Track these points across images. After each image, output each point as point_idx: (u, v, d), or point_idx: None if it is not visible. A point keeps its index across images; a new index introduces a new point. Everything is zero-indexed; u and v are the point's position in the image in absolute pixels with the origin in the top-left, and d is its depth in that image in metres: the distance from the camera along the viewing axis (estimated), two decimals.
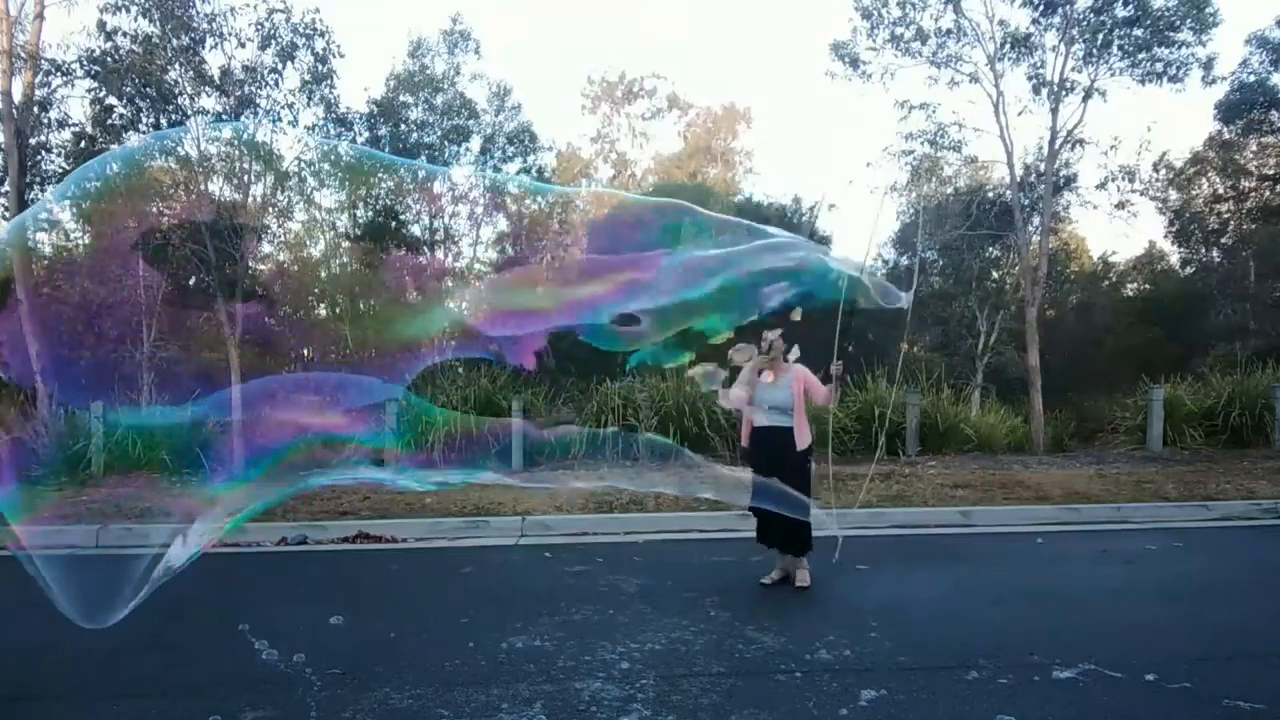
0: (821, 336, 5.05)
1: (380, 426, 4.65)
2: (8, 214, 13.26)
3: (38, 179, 13.64)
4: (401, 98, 16.07)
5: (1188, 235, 21.20)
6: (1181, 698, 3.36)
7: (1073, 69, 13.17)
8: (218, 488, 4.34)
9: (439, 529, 7.16)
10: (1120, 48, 13.00)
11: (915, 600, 4.85)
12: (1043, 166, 14.36)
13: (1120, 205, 15.06)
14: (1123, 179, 14.92)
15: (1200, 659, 3.78)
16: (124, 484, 8.73)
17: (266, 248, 14.43)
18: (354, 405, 4.50)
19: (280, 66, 12.81)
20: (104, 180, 4.14)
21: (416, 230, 16.60)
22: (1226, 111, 18.10)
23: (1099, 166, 19.64)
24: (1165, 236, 21.93)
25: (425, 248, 16.47)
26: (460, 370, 12.61)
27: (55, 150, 13.78)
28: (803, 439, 5.18)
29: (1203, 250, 21.51)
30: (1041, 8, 13.02)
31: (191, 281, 14.08)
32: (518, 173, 17.73)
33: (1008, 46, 13.26)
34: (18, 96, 12.74)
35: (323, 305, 17.19)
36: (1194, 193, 21.16)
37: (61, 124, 13.34)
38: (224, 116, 12.81)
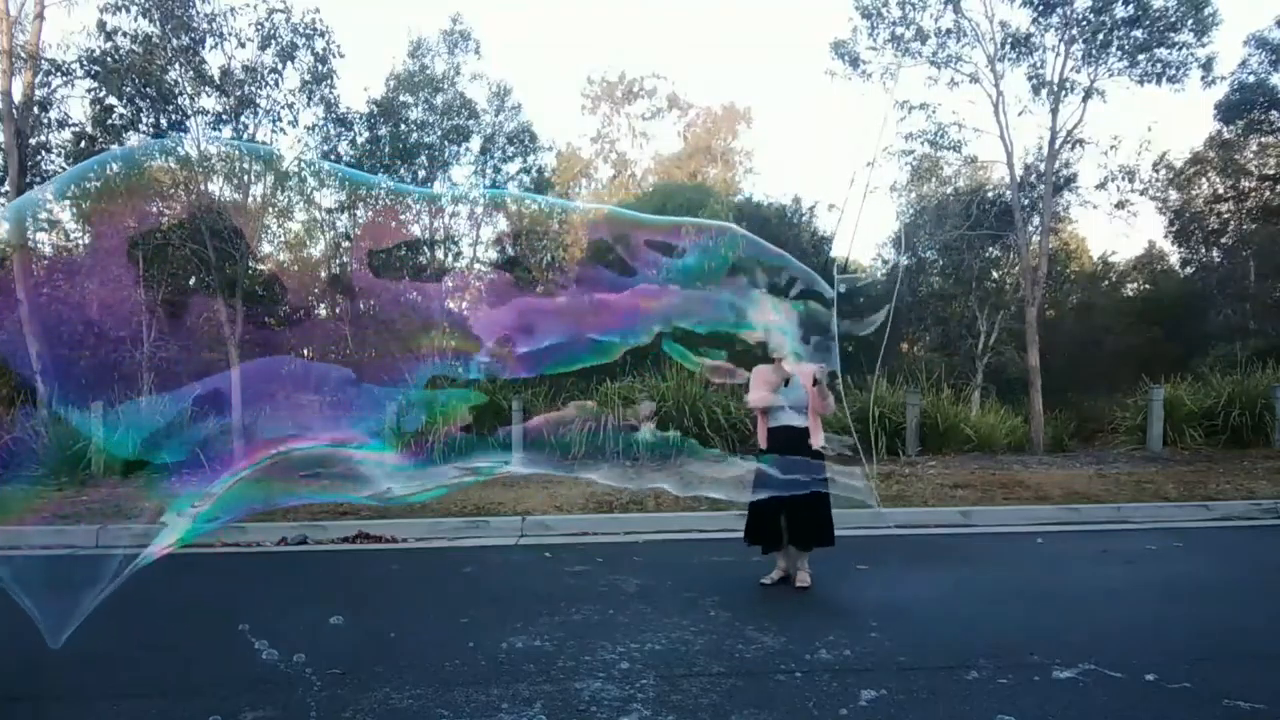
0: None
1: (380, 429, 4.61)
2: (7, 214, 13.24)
3: (38, 179, 13.62)
4: (401, 98, 16.05)
5: (1188, 235, 21.20)
6: (1181, 698, 3.36)
7: (1072, 69, 13.19)
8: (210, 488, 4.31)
9: (439, 529, 7.17)
10: (1120, 48, 13.00)
11: (915, 600, 4.85)
12: (1043, 166, 14.37)
13: (1120, 205, 15.08)
14: (1123, 179, 14.95)
15: (1200, 659, 3.78)
16: (124, 484, 8.74)
17: (266, 248, 14.42)
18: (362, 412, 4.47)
19: (280, 66, 12.82)
20: (103, 180, 4.13)
21: (416, 230, 16.60)
22: (1226, 111, 18.11)
23: (1099, 166, 19.65)
24: (1165, 236, 21.95)
25: (425, 247, 16.46)
26: (460, 370, 12.59)
27: (55, 150, 13.78)
28: (818, 438, 5.18)
29: (1203, 250, 21.51)
30: (1041, 8, 13.02)
31: (191, 281, 14.09)
32: (518, 173, 17.73)
33: (1008, 46, 13.26)
34: (18, 96, 12.74)
35: (322, 305, 17.20)
36: (1194, 193, 21.16)
37: (61, 124, 13.34)
38: (224, 116, 12.82)
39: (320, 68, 13.28)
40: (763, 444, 5.30)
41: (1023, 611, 4.64)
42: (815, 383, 5.05)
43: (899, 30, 13.51)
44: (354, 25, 23.76)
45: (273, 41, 12.62)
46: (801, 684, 3.53)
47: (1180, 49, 12.94)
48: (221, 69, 12.57)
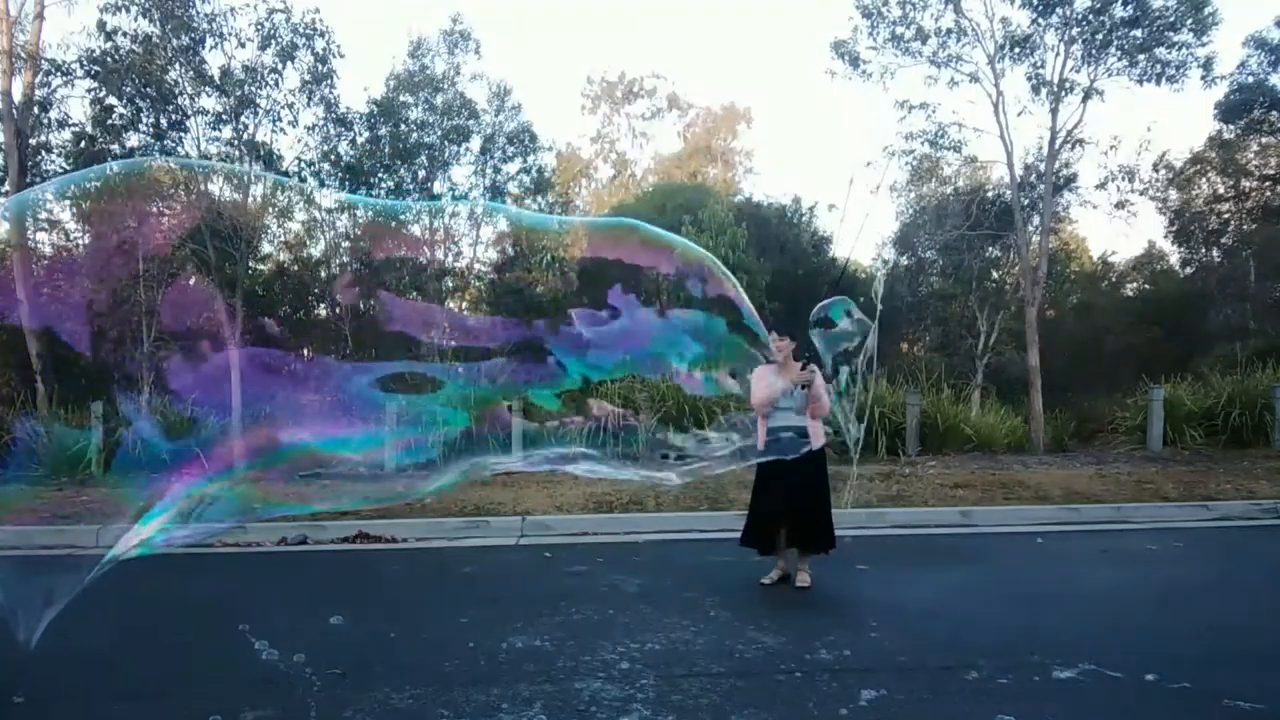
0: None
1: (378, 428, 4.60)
2: (7, 214, 13.24)
3: (38, 179, 13.63)
4: (401, 98, 16.05)
5: (1188, 235, 21.21)
6: (1181, 698, 3.35)
7: (1072, 69, 13.20)
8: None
9: (439, 529, 7.16)
10: (1119, 48, 13.01)
11: (915, 600, 4.85)
12: (1042, 166, 14.37)
13: (1120, 205, 15.09)
14: (1123, 179, 14.97)
15: (1200, 659, 3.78)
16: (124, 483, 8.72)
17: (266, 248, 14.43)
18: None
19: (280, 66, 12.83)
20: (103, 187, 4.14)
21: (416, 230, 16.60)
22: (1226, 112, 18.12)
23: (1099, 166, 19.72)
24: (1165, 236, 21.97)
25: (425, 247, 16.45)
26: (460, 370, 12.59)
27: (55, 150, 13.79)
28: (817, 438, 5.18)
29: (1203, 250, 21.51)
30: (1041, 8, 13.03)
31: (192, 281, 14.08)
32: (518, 173, 17.72)
33: (1008, 46, 13.27)
34: (18, 96, 12.75)
35: (322, 305, 17.21)
36: (1194, 193, 21.16)
37: (61, 124, 13.35)
38: (224, 116, 12.83)
39: (320, 68, 13.29)
40: (760, 444, 5.31)
41: (1023, 611, 4.64)
42: (805, 386, 5.04)
43: (899, 30, 13.52)
44: (354, 25, 23.80)
45: (273, 41, 12.63)
46: (801, 684, 3.53)
47: (1180, 49, 12.95)
48: (221, 69, 12.59)
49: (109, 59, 12.33)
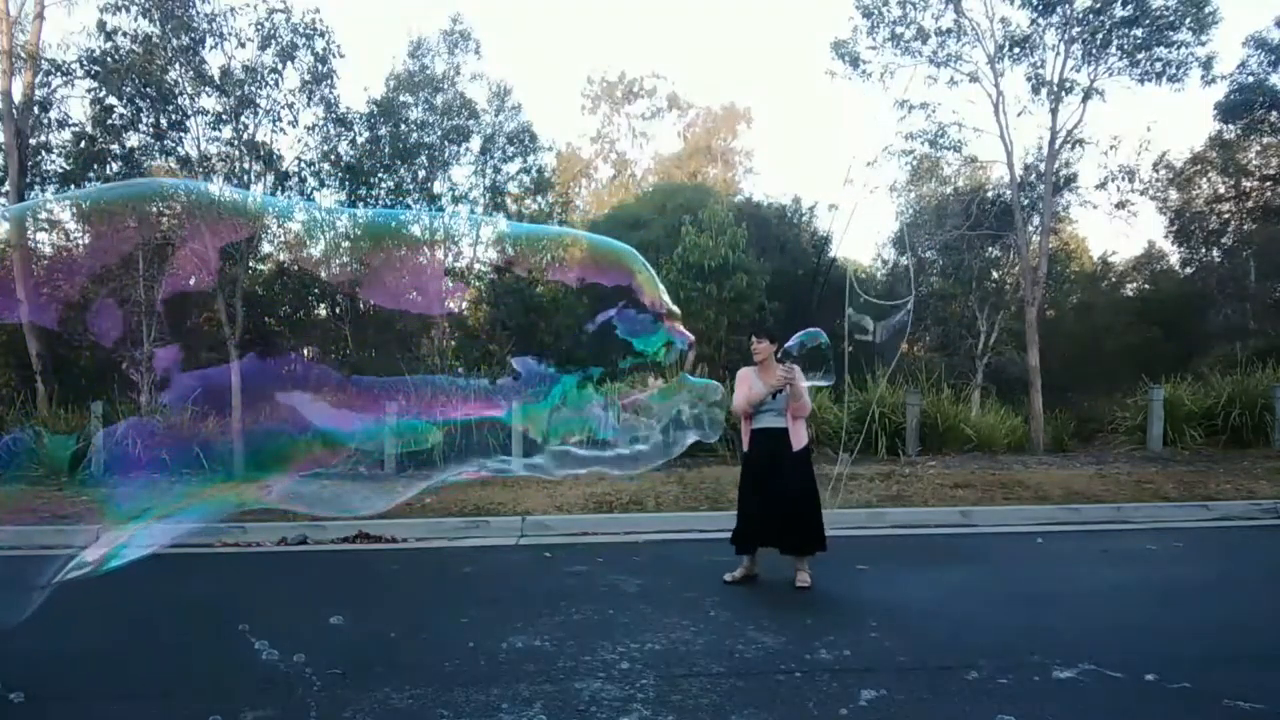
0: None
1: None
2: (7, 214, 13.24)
3: (38, 179, 13.65)
4: (401, 98, 16.05)
5: (1188, 235, 21.20)
6: (1181, 698, 3.35)
7: (1072, 69, 13.20)
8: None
9: (439, 529, 7.16)
10: (1120, 47, 13.01)
11: (915, 600, 4.85)
12: (1042, 166, 14.37)
13: (1120, 205, 15.08)
14: (1123, 179, 14.96)
15: (1200, 659, 3.78)
16: (124, 483, 8.71)
17: (266, 247, 14.41)
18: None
19: (280, 66, 12.81)
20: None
21: (416, 230, 16.59)
22: (1226, 112, 18.12)
23: (1099, 166, 19.70)
24: (1165, 236, 21.95)
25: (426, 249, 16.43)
26: (460, 370, 12.61)
27: (55, 150, 13.78)
28: (798, 439, 5.18)
29: (1203, 250, 21.50)
30: (1041, 7, 13.03)
31: (192, 281, 14.06)
32: (518, 173, 17.71)
33: (1007, 46, 13.27)
34: (18, 96, 12.76)
35: (322, 305, 17.21)
36: (1194, 193, 21.16)
37: (61, 124, 13.34)
38: (224, 116, 12.82)
39: (320, 68, 13.28)
40: (745, 446, 5.35)
41: (1023, 611, 4.64)
42: (782, 388, 5.04)
43: (899, 29, 13.52)
44: (354, 25, 23.78)
45: (273, 41, 12.61)
46: (801, 684, 3.53)
47: (1180, 48, 12.96)
48: (221, 69, 12.57)
49: (109, 59, 12.32)
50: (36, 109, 13.02)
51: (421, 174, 16.24)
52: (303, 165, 14.62)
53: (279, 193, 14.44)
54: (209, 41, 12.45)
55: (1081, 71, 13.24)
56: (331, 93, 13.88)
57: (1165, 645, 3.99)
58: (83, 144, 13.07)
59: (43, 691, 3.56)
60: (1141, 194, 16.37)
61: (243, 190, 11.74)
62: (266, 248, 14.41)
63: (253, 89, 12.63)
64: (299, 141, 14.65)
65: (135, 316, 12.99)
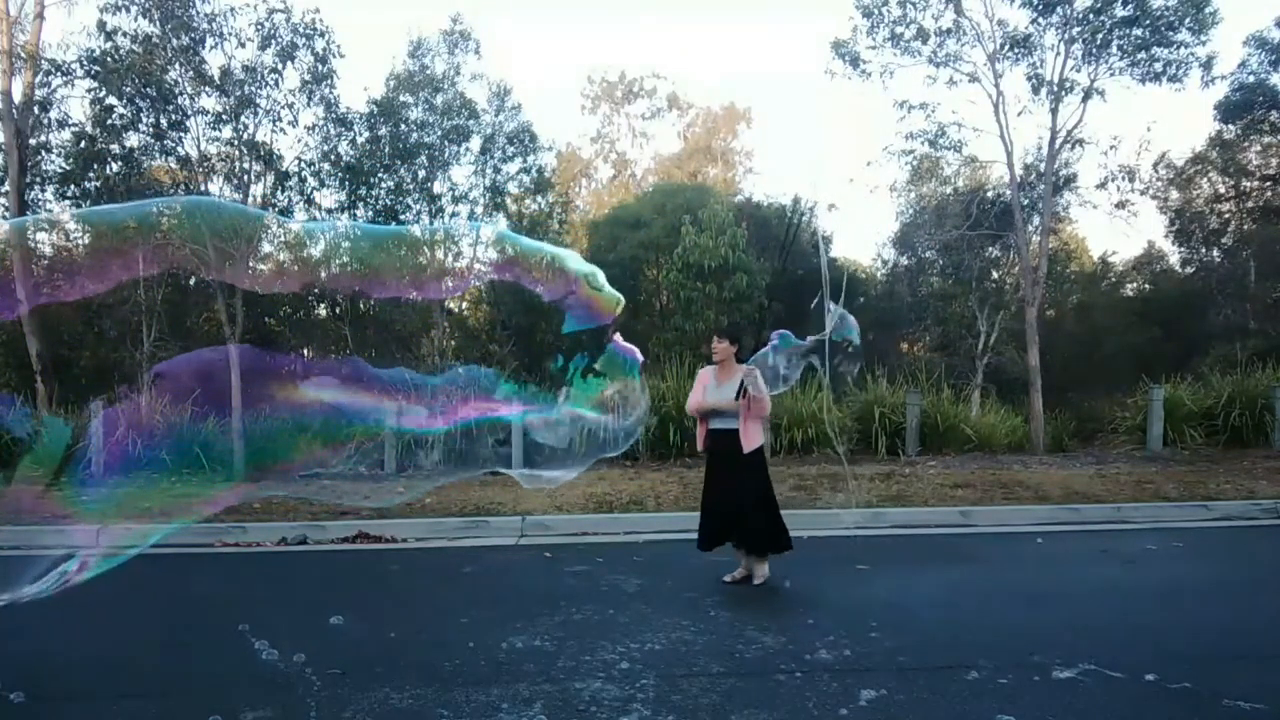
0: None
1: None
2: (8, 214, 13.25)
3: (38, 179, 13.63)
4: (401, 98, 16.03)
5: (1188, 235, 21.20)
6: (1181, 698, 3.35)
7: (1072, 69, 13.19)
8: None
9: (439, 529, 7.16)
10: (1119, 47, 13.00)
11: (915, 600, 4.85)
12: (1042, 166, 14.37)
13: (1120, 205, 15.06)
14: (1123, 179, 14.93)
15: (1200, 659, 3.78)
16: (124, 483, 8.71)
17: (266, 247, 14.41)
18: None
19: (280, 66, 12.81)
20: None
21: (417, 232, 16.58)
22: (1226, 111, 18.12)
23: (1099, 166, 19.69)
24: (1165, 236, 21.96)
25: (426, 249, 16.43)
26: (460, 371, 12.60)
27: (55, 150, 13.76)
28: (749, 441, 5.13)
29: (1203, 250, 21.51)
30: (1041, 7, 13.03)
31: (192, 281, 14.07)
32: (518, 173, 17.71)
33: (1007, 46, 13.27)
34: (18, 96, 12.74)
35: (322, 305, 17.20)
36: (1194, 192, 21.16)
37: (61, 124, 13.32)
38: (224, 116, 12.81)
39: (320, 68, 13.28)
40: (700, 445, 5.40)
41: (1023, 611, 4.64)
42: (742, 388, 5.03)
43: (899, 29, 13.52)
44: (354, 25, 23.75)
45: (273, 41, 12.62)
46: (801, 684, 3.53)
47: (1180, 48, 12.94)
48: (221, 69, 12.57)
49: (109, 59, 12.32)
50: (36, 109, 13.01)
51: (421, 174, 16.22)
52: (303, 165, 14.62)
53: (279, 193, 14.44)
54: (209, 41, 12.45)
55: (1081, 71, 13.24)
56: (331, 93, 13.88)
57: (1165, 645, 3.99)
58: (83, 144, 13.06)
59: (43, 691, 3.55)
60: (1141, 194, 16.37)
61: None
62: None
63: (253, 89, 12.63)
64: (299, 141, 14.65)
65: (135, 316, 13.00)
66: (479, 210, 17.01)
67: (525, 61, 48.69)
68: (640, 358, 4.86)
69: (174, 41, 12.08)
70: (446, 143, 16.21)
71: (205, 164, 12.85)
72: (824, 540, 6.56)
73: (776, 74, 50.33)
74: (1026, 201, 15.25)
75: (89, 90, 12.90)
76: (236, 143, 12.92)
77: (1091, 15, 12.83)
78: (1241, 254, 20.14)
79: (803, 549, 5.48)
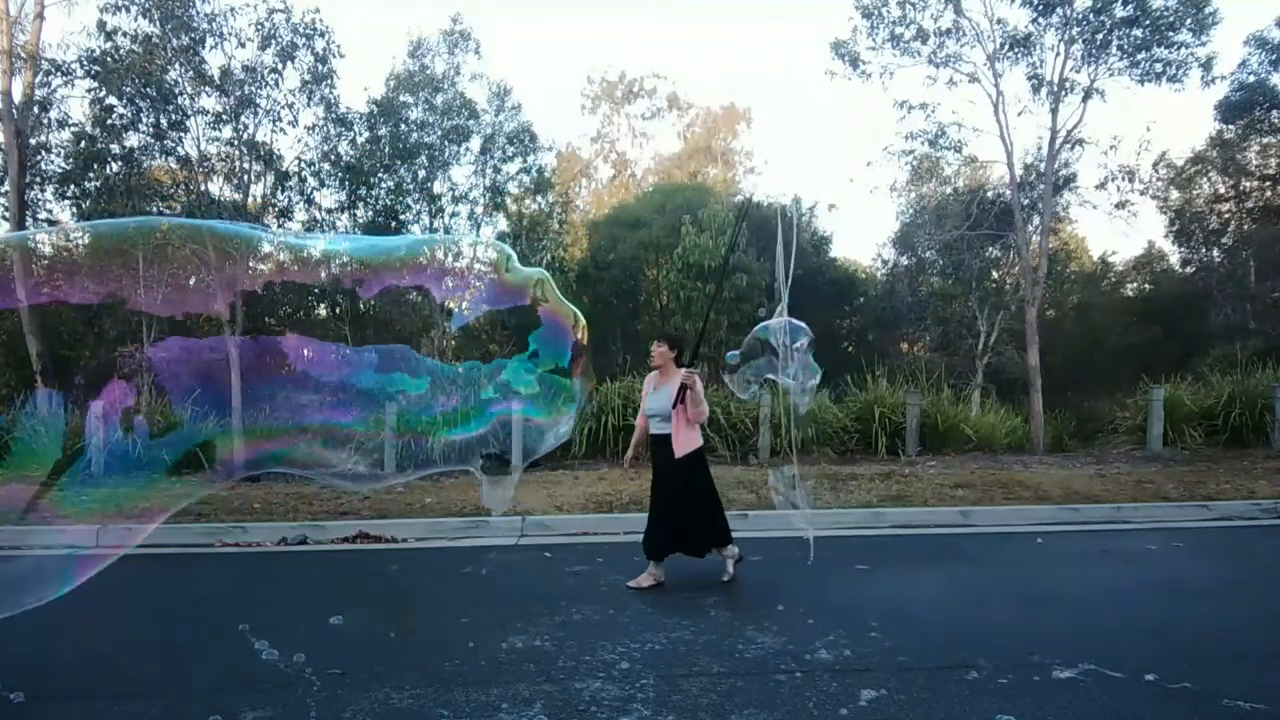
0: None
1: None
2: (8, 214, 13.25)
3: (38, 179, 13.64)
4: (401, 98, 16.05)
5: (1188, 235, 21.22)
6: (1181, 698, 3.35)
7: (1072, 69, 13.21)
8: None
9: (439, 529, 7.16)
10: (1119, 48, 13.02)
11: (915, 600, 4.85)
12: (1042, 166, 14.38)
13: (1120, 205, 15.08)
14: (1123, 179, 14.96)
15: (1200, 659, 3.78)
16: (124, 483, 8.71)
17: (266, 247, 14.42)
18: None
19: (280, 66, 12.83)
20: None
21: (417, 230, 16.62)
22: (1227, 111, 18.14)
23: (1099, 166, 19.73)
24: (1165, 236, 22.00)
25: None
26: (460, 370, 12.60)
27: (55, 150, 13.78)
28: (681, 445, 5.10)
29: (1203, 250, 21.52)
30: (1041, 7, 13.04)
31: (192, 281, 14.06)
32: (518, 173, 17.72)
33: (1007, 46, 13.27)
34: (18, 96, 12.75)
35: (322, 305, 17.21)
36: (1194, 192, 21.17)
37: (61, 124, 13.34)
38: (224, 116, 12.82)
39: (320, 68, 13.29)
40: (631, 451, 5.60)
41: (1023, 611, 4.64)
42: (681, 391, 5.02)
43: (899, 30, 13.53)
44: (354, 25, 23.82)
45: (273, 41, 12.63)
46: (801, 684, 3.53)
47: (1180, 48, 12.95)
48: (221, 69, 12.58)
49: (109, 59, 12.32)
50: (36, 109, 13.02)
51: (421, 174, 16.24)
52: (303, 165, 14.64)
53: (279, 193, 14.45)
54: (209, 41, 12.47)
55: (1081, 71, 13.27)
56: (331, 93, 13.90)
57: (1165, 645, 3.99)
58: (83, 144, 13.07)
59: (43, 691, 3.56)
60: (1141, 194, 16.38)
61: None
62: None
63: (253, 89, 12.64)
64: (299, 141, 14.68)
65: (135, 317, 12.99)
66: (479, 210, 17.02)
67: (525, 61, 48.76)
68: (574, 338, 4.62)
69: (174, 41, 12.09)
70: (446, 143, 16.23)
71: (205, 164, 12.85)
72: (824, 540, 6.55)
73: (776, 74, 50.36)
74: (1026, 201, 15.26)
75: (89, 90, 12.91)
76: (236, 143, 12.93)
77: (1091, 15, 12.84)
78: (1241, 254, 20.15)
79: (802, 549, 5.48)
